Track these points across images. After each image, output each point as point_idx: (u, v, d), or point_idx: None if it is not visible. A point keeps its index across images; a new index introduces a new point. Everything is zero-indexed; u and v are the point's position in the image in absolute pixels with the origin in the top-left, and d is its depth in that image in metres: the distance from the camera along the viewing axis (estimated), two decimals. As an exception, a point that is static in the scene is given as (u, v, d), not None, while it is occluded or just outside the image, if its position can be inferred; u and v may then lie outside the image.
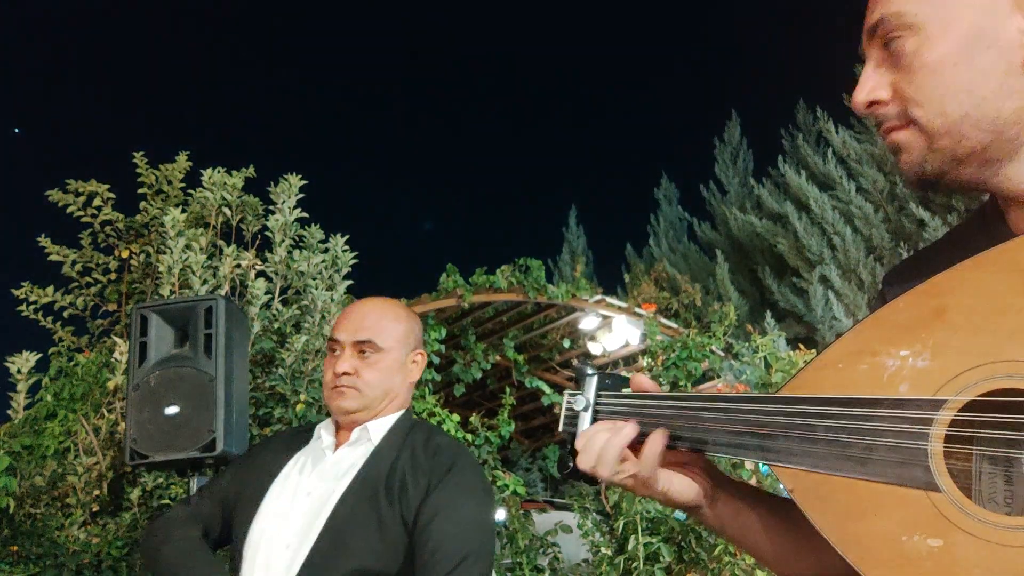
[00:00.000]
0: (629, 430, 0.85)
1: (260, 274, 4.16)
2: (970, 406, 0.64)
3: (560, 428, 0.94)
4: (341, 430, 1.62)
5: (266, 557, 1.45)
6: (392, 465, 1.50)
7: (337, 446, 1.59)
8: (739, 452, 0.79)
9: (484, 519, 1.47)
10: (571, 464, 0.89)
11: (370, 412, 1.59)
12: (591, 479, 0.88)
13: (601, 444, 0.85)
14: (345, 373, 1.55)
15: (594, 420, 0.90)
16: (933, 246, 0.90)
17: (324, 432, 1.62)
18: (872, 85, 0.75)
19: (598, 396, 0.90)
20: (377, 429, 1.57)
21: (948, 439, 0.65)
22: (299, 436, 1.68)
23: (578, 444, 0.88)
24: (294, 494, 1.52)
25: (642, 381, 0.89)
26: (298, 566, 1.40)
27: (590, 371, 0.92)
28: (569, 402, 0.93)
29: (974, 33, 0.70)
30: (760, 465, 4.79)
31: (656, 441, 0.83)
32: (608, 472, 0.84)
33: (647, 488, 0.85)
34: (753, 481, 4.72)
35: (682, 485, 0.87)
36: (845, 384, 0.73)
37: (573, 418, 0.92)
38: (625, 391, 0.91)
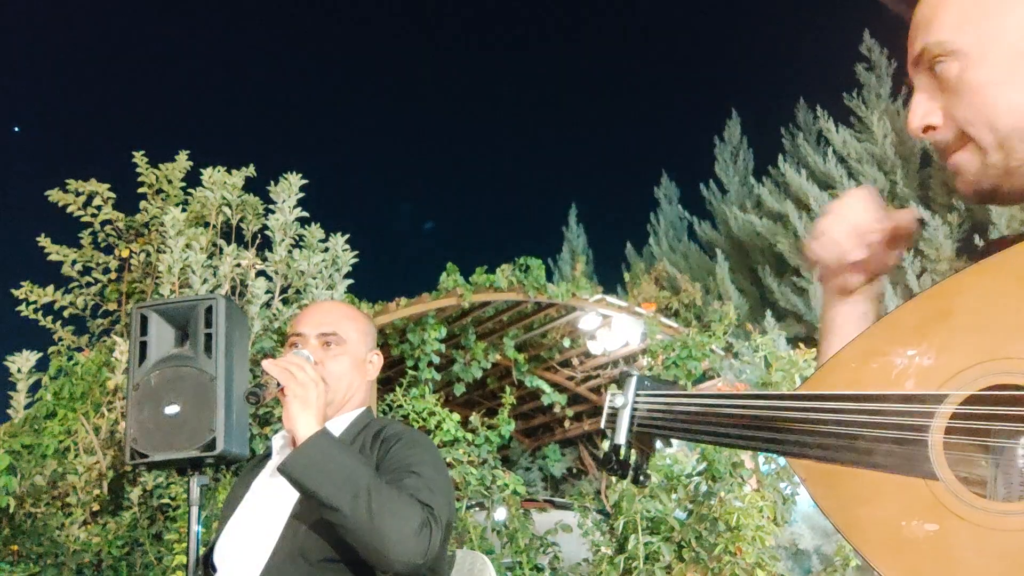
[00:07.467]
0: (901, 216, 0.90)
1: (260, 273, 4.17)
2: (971, 400, 0.69)
3: (602, 424, 1.00)
4: None
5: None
6: None
7: None
8: (757, 444, 0.85)
9: (437, 459, 1.48)
10: (613, 457, 0.96)
11: (331, 408, 1.57)
12: (631, 474, 0.94)
13: (854, 220, 0.89)
14: None
15: (632, 417, 0.97)
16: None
17: (280, 440, 1.59)
18: (924, 111, 0.80)
19: (636, 395, 0.97)
20: (331, 429, 1.55)
21: (953, 431, 0.70)
22: (266, 457, 1.67)
23: (825, 225, 0.91)
24: (253, 511, 1.52)
25: None
26: None
27: (632, 373, 0.99)
28: (610, 400, 0.99)
29: (1014, 53, 0.74)
30: (760, 464, 4.80)
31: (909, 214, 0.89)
32: (855, 244, 0.89)
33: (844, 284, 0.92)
34: (753, 480, 4.72)
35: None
36: (857, 381, 0.78)
37: (613, 415, 0.98)
38: (660, 391, 0.97)
